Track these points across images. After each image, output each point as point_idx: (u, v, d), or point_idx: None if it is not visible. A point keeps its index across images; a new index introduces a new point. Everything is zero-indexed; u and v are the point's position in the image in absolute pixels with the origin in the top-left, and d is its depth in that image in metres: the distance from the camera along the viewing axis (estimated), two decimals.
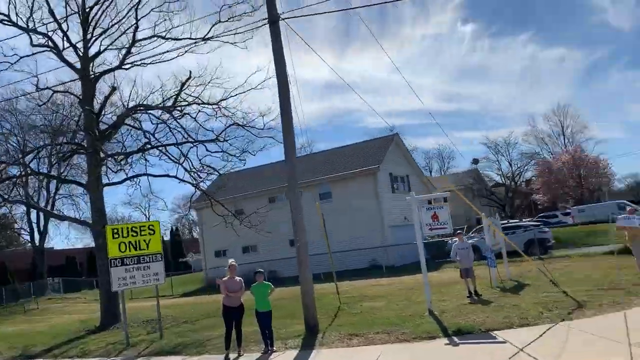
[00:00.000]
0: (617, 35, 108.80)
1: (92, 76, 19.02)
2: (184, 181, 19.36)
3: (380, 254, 27.81)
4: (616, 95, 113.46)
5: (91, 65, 19.19)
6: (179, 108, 18.37)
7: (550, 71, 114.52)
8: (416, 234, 12.24)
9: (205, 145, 19.07)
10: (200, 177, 19.45)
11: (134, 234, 14.04)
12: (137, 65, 18.56)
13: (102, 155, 18.84)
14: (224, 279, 10.50)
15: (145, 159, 19.84)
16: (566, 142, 73.12)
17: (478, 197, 49.71)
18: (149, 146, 19.01)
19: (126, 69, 18.89)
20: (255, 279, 10.48)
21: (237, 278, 10.49)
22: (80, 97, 19.23)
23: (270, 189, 32.22)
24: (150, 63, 18.23)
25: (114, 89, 19.76)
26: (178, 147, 19.15)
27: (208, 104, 18.66)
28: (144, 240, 14.09)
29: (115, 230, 14.01)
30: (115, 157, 19.66)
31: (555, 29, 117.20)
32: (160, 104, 18.50)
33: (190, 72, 18.47)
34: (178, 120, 18.77)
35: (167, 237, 67.24)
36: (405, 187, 32.31)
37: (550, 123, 71.69)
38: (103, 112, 19.67)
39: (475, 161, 52.39)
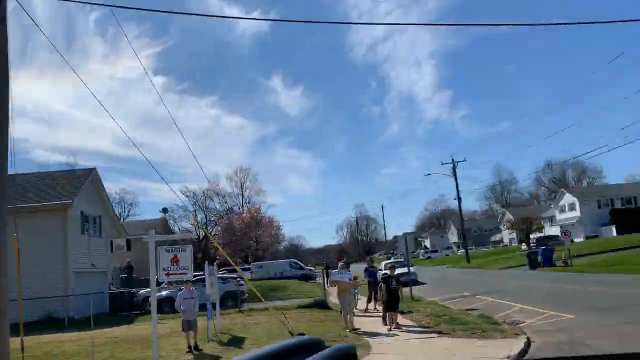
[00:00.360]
0: (286, 116, 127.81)
1: None
2: None
3: (59, 305, 23.69)
4: (282, 167, 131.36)
5: None
6: None
7: (231, 135, 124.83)
8: (151, 279, 10.62)
9: None
10: None
11: None
12: None
13: None
14: None
15: None
16: (244, 202, 78.83)
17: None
18: None
19: None
20: None
21: None
22: None
23: None
24: None
25: None
26: None
27: None
28: None
29: None
30: None
31: (236, 99, 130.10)
32: None
33: None
34: None
35: None
36: (97, 230, 28.90)
37: (232, 183, 76.42)
38: None
39: (165, 210, 51.22)
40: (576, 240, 50.40)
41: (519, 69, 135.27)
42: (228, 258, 17.72)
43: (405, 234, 20.88)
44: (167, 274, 10.79)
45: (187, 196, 56.46)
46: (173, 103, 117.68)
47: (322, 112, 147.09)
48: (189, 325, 12.77)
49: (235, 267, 17.34)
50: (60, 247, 24.84)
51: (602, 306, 15.64)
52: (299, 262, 47.61)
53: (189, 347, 12.67)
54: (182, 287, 26.12)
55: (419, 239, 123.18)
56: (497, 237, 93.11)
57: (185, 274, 10.86)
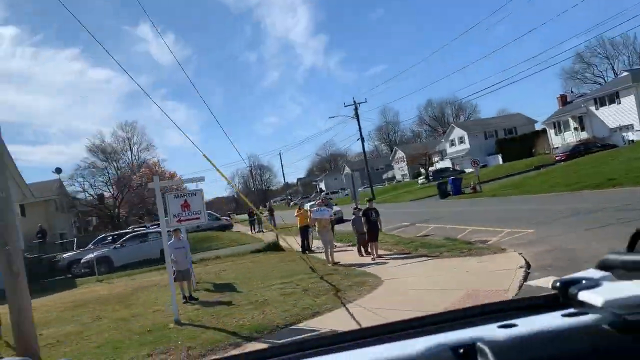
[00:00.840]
0: (158, 66, 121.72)
1: None
2: None
3: None
4: (159, 121, 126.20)
5: None
6: None
7: (98, 90, 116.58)
8: (161, 227, 9.89)
9: None
10: None
11: None
12: None
13: None
14: None
15: None
16: (133, 159, 74.53)
17: (64, 210, 44.65)
18: None
19: None
20: None
21: None
22: None
23: None
24: None
25: None
26: None
27: None
28: None
29: None
30: None
31: (102, 51, 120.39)
32: None
33: None
34: None
35: None
36: None
37: (118, 139, 71.30)
38: None
39: (59, 170, 46.94)
40: (467, 170, 54.56)
41: (387, 14, 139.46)
42: (251, 206, 16.89)
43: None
44: (179, 220, 10.12)
45: (93, 152, 52.48)
46: (26, 58, 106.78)
47: (197, 61, 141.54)
48: (182, 275, 12.19)
49: (256, 210, 16.65)
50: None
51: (545, 220, 16.43)
52: (214, 213, 46.67)
53: (184, 297, 12.16)
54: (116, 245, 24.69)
55: (313, 183, 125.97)
56: (389, 175, 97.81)
57: (199, 218, 10.27)
